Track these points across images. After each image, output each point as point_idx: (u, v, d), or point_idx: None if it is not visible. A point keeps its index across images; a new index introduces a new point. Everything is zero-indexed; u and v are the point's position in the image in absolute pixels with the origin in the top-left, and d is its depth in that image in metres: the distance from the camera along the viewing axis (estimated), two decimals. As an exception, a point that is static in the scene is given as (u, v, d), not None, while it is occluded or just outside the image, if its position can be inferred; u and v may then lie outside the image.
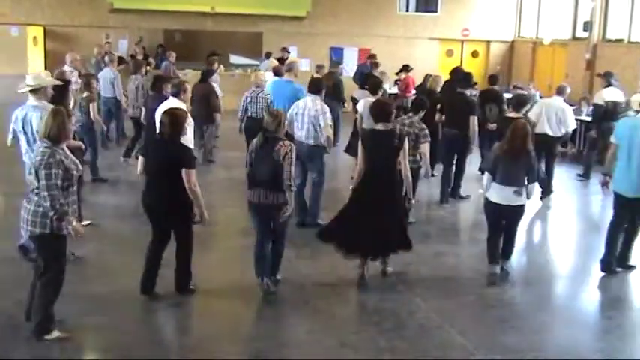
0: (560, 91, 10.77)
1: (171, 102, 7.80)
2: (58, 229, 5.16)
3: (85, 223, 7.78)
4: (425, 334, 5.87)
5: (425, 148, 8.28)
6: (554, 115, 10.44)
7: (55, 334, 5.33)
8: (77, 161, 5.37)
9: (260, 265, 6.39)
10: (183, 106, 7.46)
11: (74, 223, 5.19)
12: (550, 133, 10.43)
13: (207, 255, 7.65)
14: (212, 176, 11.19)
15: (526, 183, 6.79)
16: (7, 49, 25.49)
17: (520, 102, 9.33)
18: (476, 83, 11.77)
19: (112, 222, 8.59)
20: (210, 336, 5.70)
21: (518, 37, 22.06)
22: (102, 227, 8.27)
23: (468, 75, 11.17)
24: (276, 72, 11.17)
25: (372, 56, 15.53)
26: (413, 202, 6.87)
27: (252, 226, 6.52)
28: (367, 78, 11.65)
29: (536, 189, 8.25)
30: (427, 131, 8.32)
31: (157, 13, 19.72)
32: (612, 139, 7.45)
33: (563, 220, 10.05)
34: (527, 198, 6.90)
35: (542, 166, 10.18)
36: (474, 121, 9.87)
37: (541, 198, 10.35)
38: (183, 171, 5.85)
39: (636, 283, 7.42)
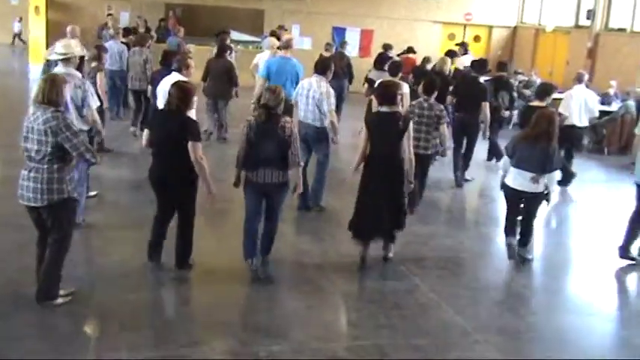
0: (580, 80, 10.90)
1: (175, 77, 7.77)
2: (74, 191, 5.29)
3: (92, 193, 7.90)
4: (423, 313, 5.95)
5: (444, 128, 8.34)
6: (582, 104, 10.59)
7: (61, 300, 5.42)
8: None
9: (250, 246, 6.34)
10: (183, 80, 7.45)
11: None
12: (578, 124, 10.60)
13: (213, 230, 7.73)
14: (221, 152, 11.21)
15: (544, 171, 6.85)
16: (7, 18, 25.48)
17: (545, 91, 9.29)
18: (490, 70, 11.80)
19: (115, 194, 8.64)
20: (210, 307, 5.78)
21: (521, 22, 22.01)
22: (106, 199, 8.33)
23: (483, 61, 11.27)
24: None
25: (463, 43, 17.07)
26: (412, 185, 6.76)
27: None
28: (383, 61, 11.64)
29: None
30: (445, 112, 8.42)
31: (158, -14, 19.65)
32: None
33: (578, 208, 10.12)
34: (547, 187, 6.95)
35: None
36: (486, 107, 10.02)
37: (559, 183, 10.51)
38: (190, 143, 5.82)
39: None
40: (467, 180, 10.52)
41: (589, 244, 8.38)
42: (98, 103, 7.23)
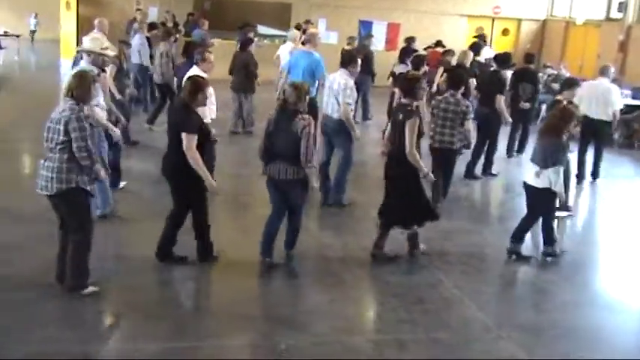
0: (603, 72, 10.47)
1: (194, 70, 7.83)
2: (83, 182, 5.32)
3: (121, 184, 8.09)
4: (446, 309, 5.92)
5: (469, 124, 8.35)
6: (599, 97, 10.14)
7: (91, 289, 5.54)
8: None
9: (266, 244, 6.34)
10: (203, 74, 7.36)
11: (102, 171, 5.59)
12: (594, 117, 10.12)
13: (235, 224, 7.77)
14: (245, 146, 11.28)
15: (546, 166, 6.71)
16: (39, 13, 25.80)
17: (565, 84, 9.08)
18: (514, 64, 11.59)
19: (140, 185, 8.70)
20: (233, 299, 5.80)
21: (551, 15, 21.71)
22: (131, 190, 8.39)
23: (506, 55, 11.14)
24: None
25: (481, 35, 16.53)
26: (431, 176, 6.66)
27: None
28: (407, 54, 11.56)
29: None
30: (470, 108, 8.41)
31: (187, -20, 19.73)
32: None
33: (606, 204, 9.95)
34: (550, 184, 6.67)
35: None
36: (500, 100, 9.94)
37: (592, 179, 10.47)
38: (183, 134, 5.81)
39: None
40: (493, 174, 10.42)
41: (617, 240, 8.26)
42: (98, 101, 6.91)
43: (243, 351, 5.10)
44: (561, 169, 6.71)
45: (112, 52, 7.21)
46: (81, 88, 5.34)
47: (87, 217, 5.52)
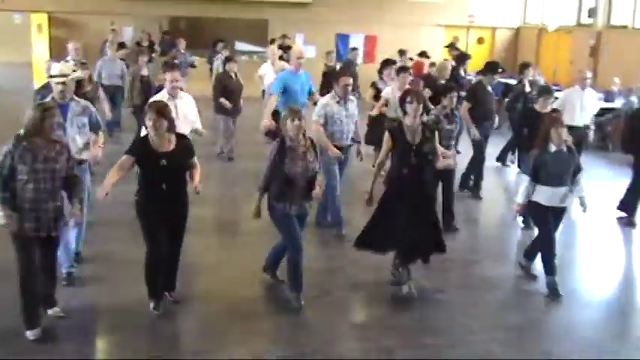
0: (579, 80, 10.40)
1: (162, 92, 7.41)
2: (4, 218, 5.00)
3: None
4: (429, 313, 6.02)
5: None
6: (577, 104, 10.04)
7: (28, 334, 5.18)
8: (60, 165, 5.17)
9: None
10: (165, 97, 6.97)
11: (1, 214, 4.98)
12: (573, 124, 9.80)
13: (225, 242, 7.77)
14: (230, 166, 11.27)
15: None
16: (10, 36, 25.38)
17: (540, 94, 8.86)
18: (503, 70, 11.27)
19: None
20: (220, 316, 5.84)
21: (524, 23, 22.02)
22: (118, 218, 8.27)
23: (492, 64, 10.63)
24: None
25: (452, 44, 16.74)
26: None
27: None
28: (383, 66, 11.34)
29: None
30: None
31: (161, -1, 19.76)
32: None
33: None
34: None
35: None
36: (463, 108, 9.61)
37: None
38: None
39: None
40: (477, 196, 10.02)
41: (593, 240, 8.41)
42: None
43: (230, 365, 5.11)
44: (527, 178, 6.56)
45: (58, 79, 6.08)
46: (27, 122, 5.04)
47: (18, 258, 5.14)
